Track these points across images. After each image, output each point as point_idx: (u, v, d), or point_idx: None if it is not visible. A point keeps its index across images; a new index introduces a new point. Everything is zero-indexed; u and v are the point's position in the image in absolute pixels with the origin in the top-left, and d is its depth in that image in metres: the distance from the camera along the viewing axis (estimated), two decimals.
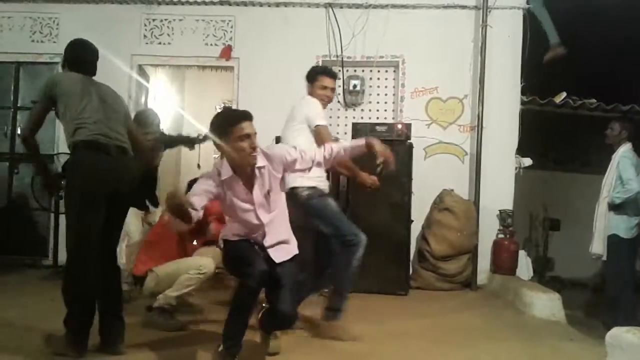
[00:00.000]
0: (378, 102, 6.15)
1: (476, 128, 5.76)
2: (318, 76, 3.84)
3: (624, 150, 4.90)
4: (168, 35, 6.14)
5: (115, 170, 3.04)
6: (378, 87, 6.18)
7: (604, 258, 4.93)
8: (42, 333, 3.28)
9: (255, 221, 2.87)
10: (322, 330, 3.61)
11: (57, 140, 6.07)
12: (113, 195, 3.03)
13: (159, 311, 3.65)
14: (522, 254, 5.80)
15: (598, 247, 4.96)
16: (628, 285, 4.80)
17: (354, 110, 6.16)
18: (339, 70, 5.94)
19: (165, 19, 6.13)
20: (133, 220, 4.52)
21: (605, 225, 4.91)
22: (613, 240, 4.84)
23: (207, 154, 8.32)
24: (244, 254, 2.85)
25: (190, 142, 5.07)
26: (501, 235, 5.72)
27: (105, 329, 3.10)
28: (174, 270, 3.68)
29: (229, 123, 2.80)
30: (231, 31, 6.08)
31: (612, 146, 5.06)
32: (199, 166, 8.20)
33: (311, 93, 3.83)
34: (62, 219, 5.49)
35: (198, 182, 2.87)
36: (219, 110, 3.75)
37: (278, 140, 4.83)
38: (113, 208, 3.07)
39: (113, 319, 3.12)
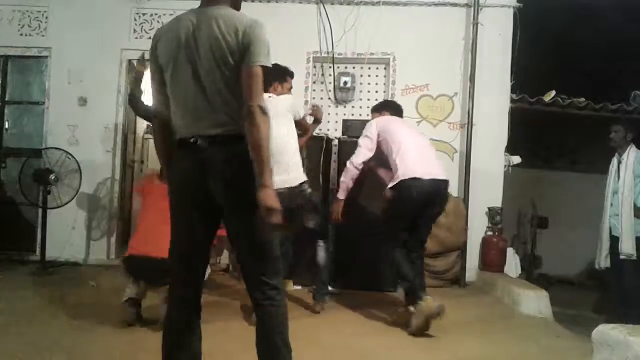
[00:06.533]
0: (369, 99, 6.13)
1: (466, 126, 5.78)
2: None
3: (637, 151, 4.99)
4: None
5: None
6: (369, 84, 6.17)
7: (634, 257, 4.86)
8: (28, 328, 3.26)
9: None
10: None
11: (46, 135, 6.03)
12: None
13: None
14: (510, 251, 5.84)
15: (628, 246, 4.88)
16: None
17: (345, 107, 6.15)
18: (330, 67, 5.95)
19: (155, 14, 6.08)
20: None
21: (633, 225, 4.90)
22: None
23: None
24: None
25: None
26: (490, 233, 5.75)
27: None
28: None
29: None
30: None
31: (616, 148, 5.09)
32: None
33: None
34: (50, 214, 5.48)
35: None
36: None
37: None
38: None
39: None
